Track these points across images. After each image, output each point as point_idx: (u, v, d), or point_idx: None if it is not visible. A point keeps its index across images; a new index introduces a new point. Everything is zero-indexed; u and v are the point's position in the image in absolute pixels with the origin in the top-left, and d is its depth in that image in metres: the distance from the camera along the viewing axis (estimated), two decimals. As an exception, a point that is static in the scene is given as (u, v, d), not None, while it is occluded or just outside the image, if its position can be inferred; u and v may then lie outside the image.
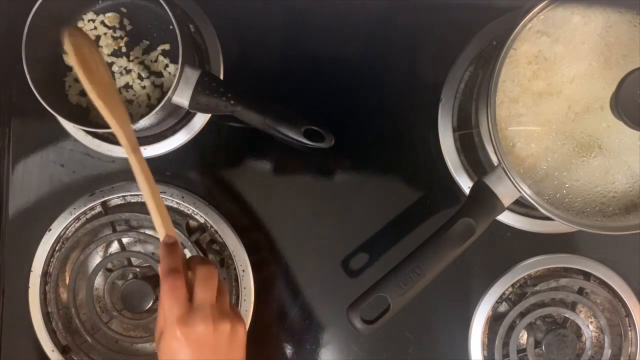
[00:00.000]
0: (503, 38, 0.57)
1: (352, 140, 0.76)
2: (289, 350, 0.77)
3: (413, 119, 0.76)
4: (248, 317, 0.75)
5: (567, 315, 0.74)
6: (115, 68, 0.71)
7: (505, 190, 0.59)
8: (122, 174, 0.77)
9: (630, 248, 0.75)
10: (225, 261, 0.76)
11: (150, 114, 0.64)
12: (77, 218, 0.76)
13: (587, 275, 0.75)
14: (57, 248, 0.76)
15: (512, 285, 0.75)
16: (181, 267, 0.57)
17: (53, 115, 0.65)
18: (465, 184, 0.74)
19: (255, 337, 0.76)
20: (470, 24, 0.74)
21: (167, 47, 0.71)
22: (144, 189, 0.58)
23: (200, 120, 0.75)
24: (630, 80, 0.51)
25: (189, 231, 0.76)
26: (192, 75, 0.64)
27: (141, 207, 0.77)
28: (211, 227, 0.75)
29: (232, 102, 0.65)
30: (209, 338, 0.54)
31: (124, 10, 0.71)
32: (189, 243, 0.73)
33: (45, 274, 0.75)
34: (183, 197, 0.75)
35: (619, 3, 0.59)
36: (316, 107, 0.76)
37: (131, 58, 0.70)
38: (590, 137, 0.60)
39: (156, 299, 0.72)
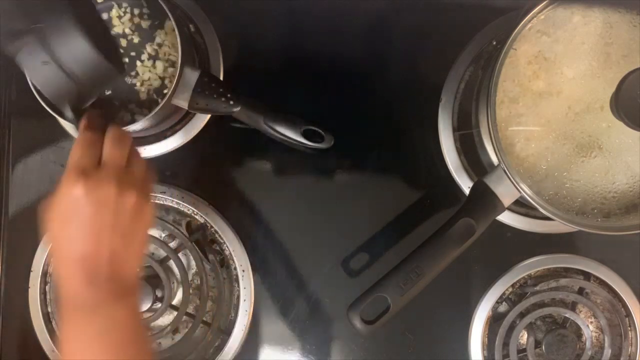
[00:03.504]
0: (503, 38, 0.57)
1: (352, 140, 0.76)
2: (288, 350, 0.77)
3: (413, 119, 0.76)
4: (248, 317, 0.75)
5: (567, 315, 0.74)
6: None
7: (505, 190, 0.59)
8: (122, 174, 0.76)
9: (630, 248, 0.75)
10: (225, 261, 0.76)
11: (150, 114, 0.64)
12: (77, 218, 0.76)
13: (587, 275, 0.75)
14: (57, 248, 0.76)
15: (512, 285, 0.75)
16: (99, 130, 0.54)
17: (53, 115, 0.65)
18: (465, 184, 0.74)
19: (254, 337, 0.76)
20: (470, 24, 0.74)
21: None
22: None
23: (200, 120, 0.75)
24: (630, 80, 0.51)
25: (189, 231, 0.76)
26: (191, 76, 0.64)
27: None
28: (211, 227, 0.75)
29: (231, 102, 0.65)
30: (111, 199, 0.51)
31: (123, 10, 0.71)
32: (189, 243, 0.73)
33: (45, 274, 0.75)
34: (183, 197, 0.75)
35: (619, 3, 0.59)
36: (316, 107, 0.76)
37: (131, 58, 0.71)
38: (590, 137, 0.60)
39: (156, 299, 0.72)
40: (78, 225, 0.51)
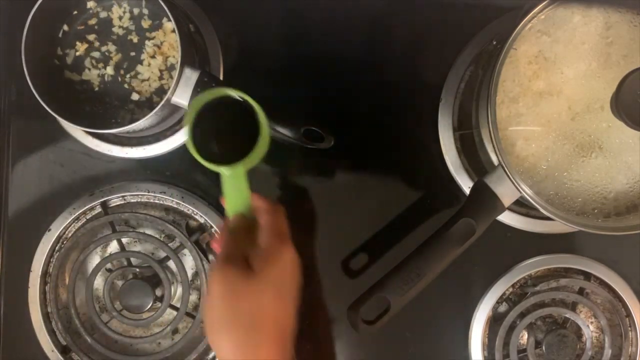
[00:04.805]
0: (503, 38, 0.57)
1: (352, 140, 0.76)
2: (289, 351, 0.77)
3: (413, 119, 0.76)
4: (248, 317, 0.74)
5: (567, 316, 0.74)
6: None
7: (505, 190, 0.58)
8: (121, 174, 0.77)
9: (630, 248, 0.75)
10: (225, 261, 0.76)
11: (150, 114, 0.64)
12: (77, 218, 0.76)
13: (587, 275, 0.75)
14: (57, 248, 0.76)
15: (513, 286, 0.75)
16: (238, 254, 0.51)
17: (53, 115, 0.65)
18: (465, 184, 0.74)
19: (255, 337, 0.76)
20: (470, 24, 0.74)
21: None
22: None
23: (200, 120, 0.75)
24: (630, 80, 0.51)
25: (189, 231, 0.76)
26: (191, 76, 0.64)
27: (140, 207, 0.77)
28: (211, 227, 0.75)
29: (231, 102, 0.65)
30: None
31: (123, 10, 0.71)
32: (189, 243, 0.73)
33: (45, 274, 0.75)
34: (183, 197, 0.75)
35: (619, 3, 0.59)
36: (316, 107, 0.76)
37: (131, 58, 0.71)
38: (591, 137, 0.60)
39: (156, 299, 0.72)
40: (289, 293, 0.51)
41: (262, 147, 0.49)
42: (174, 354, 0.73)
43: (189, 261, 0.75)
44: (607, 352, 0.74)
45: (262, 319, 0.47)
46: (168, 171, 0.77)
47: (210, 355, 0.76)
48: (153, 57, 0.70)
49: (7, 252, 0.77)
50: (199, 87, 0.64)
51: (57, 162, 0.77)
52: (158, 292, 0.73)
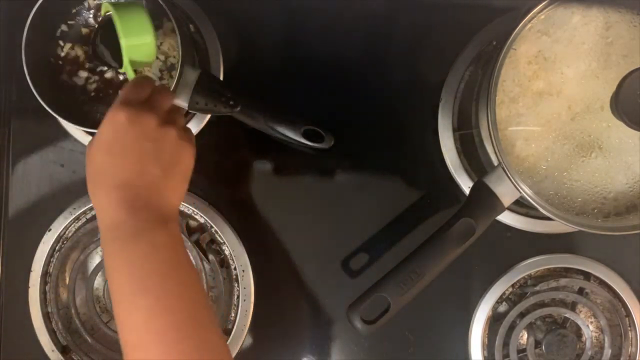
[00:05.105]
0: (503, 38, 0.57)
1: (352, 140, 0.76)
2: (288, 350, 0.77)
3: (413, 119, 0.76)
4: (248, 317, 0.75)
5: (567, 316, 0.74)
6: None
7: (505, 190, 0.59)
8: (122, 174, 0.76)
9: (630, 248, 0.75)
10: (225, 261, 0.76)
11: (150, 114, 0.64)
12: (77, 218, 0.76)
13: (587, 275, 0.75)
14: (57, 248, 0.76)
15: (512, 285, 0.75)
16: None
17: (53, 115, 0.65)
18: (465, 184, 0.74)
19: (254, 337, 0.76)
20: (470, 24, 0.74)
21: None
22: None
23: (200, 120, 0.75)
24: (630, 80, 0.51)
25: (189, 231, 0.76)
26: (191, 76, 0.64)
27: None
28: (211, 227, 0.75)
29: (231, 102, 0.65)
30: (151, 128, 0.54)
31: (123, 10, 0.71)
32: (189, 243, 0.73)
33: (45, 274, 0.75)
34: (183, 197, 0.75)
35: (619, 3, 0.59)
36: (316, 107, 0.76)
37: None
38: (591, 137, 0.60)
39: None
40: (120, 150, 0.53)
41: (123, 43, 0.59)
42: (174, 353, 0.73)
43: (189, 261, 0.75)
44: (607, 352, 0.74)
45: (96, 172, 0.53)
46: (168, 171, 0.77)
47: (210, 355, 0.76)
48: (153, 57, 0.70)
49: (7, 252, 0.77)
50: (199, 87, 0.64)
51: (57, 162, 0.77)
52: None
